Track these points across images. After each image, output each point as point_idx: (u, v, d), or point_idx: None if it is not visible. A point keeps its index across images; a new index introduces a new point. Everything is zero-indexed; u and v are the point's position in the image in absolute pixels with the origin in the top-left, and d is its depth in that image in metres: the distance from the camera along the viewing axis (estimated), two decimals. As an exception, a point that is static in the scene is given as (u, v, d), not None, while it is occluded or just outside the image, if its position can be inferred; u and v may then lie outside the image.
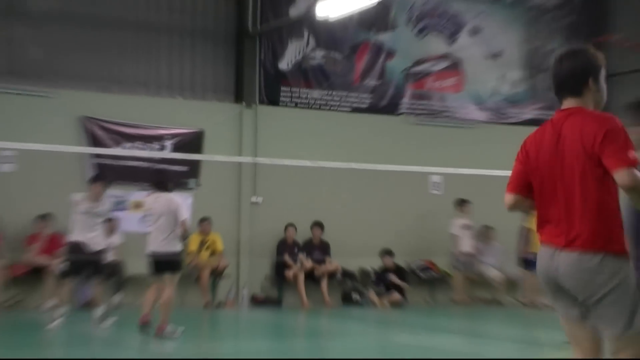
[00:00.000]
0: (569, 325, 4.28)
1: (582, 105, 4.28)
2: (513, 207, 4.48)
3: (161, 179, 11.36)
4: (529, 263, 15.13)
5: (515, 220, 14.93)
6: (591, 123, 4.13)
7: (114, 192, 15.36)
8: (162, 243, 10.71)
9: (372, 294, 16.05)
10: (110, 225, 14.84)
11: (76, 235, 11.62)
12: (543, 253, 4.26)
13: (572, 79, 4.29)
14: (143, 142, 15.75)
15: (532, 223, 14.25)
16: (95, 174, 12.95)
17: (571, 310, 4.23)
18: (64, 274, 12.05)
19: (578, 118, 4.22)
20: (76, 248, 11.62)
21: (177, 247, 10.78)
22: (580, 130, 4.16)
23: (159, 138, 15.90)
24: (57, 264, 13.41)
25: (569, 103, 4.32)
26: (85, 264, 11.75)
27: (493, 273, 16.55)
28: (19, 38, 15.30)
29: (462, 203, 16.58)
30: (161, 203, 10.80)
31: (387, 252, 16.29)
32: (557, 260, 4.16)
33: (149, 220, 10.97)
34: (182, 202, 10.87)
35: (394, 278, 16.09)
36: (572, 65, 4.28)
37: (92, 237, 11.68)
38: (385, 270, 16.26)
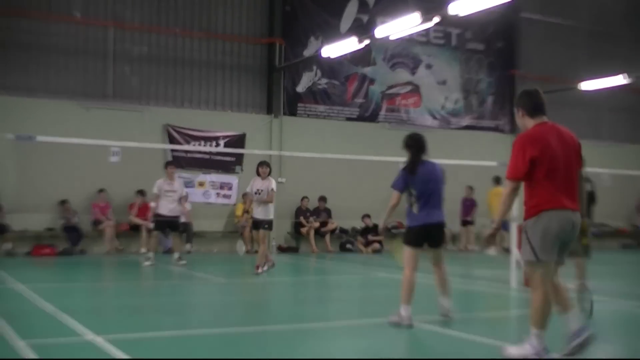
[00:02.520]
0: (551, 266, 4.50)
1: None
2: (516, 190, 4.57)
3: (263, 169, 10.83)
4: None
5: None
6: (571, 134, 4.66)
7: (185, 175, 15.48)
8: (259, 211, 10.34)
9: (359, 244, 16.10)
10: (184, 197, 14.89)
11: (160, 205, 11.61)
12: (562, 214, 4.42)
13: (545, 105, 4.68)
14: (204, 141, 15.72)
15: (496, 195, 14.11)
16: (169, 160, 12.76)
17: (556, 255, 4.49)
18: (152, 230, 12.05)
19: (561, 128, 4.65)
20: (159, 214, 11.57)
21: (271, 214, 10.40)
22: (569, 136, 4.61)
23: (215, 138, 15.86)
24: (148, 223, 13.45)
25: (545, 119, 4.63)
26: (165, 224, 11.73)
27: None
28: (122, 71, 15.26)
29: None
30: (262, 184, 10.45)
31: (366, 215, 16.25)
32: (573, 218, 4.44)
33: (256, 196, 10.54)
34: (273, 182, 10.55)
35: (372, 234, 16.11)
36: (543, 96, 4.68)
37: (170, 207, 11.66)
38: (366, 228, 16.24)
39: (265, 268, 10.64)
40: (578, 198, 4.49)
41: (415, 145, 6.07)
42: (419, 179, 6.00)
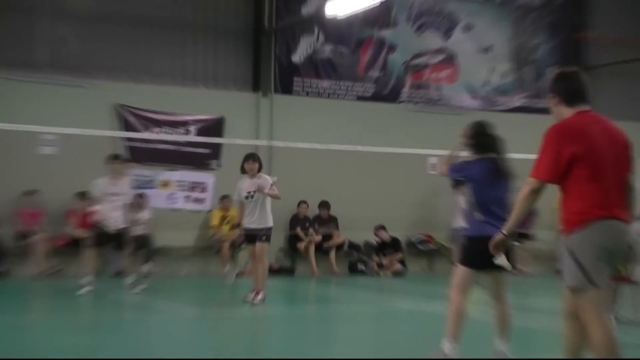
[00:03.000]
0: (606, 292, 4.69)
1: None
2: (537, 193, 4.74)
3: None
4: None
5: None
6: (619, 130, 4.81)
7: (144, 172, 15.40)
8: (254, 219, 10.45)
9: (374, 264, 16.06)
10: (140, 201, 14.77)
11: (100, 213, 11.48)
12: (615, 226, 4.57)
13: (587, 90, 4.81)
14: (170, 127, 15.68)
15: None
16: (114, 154, 12.51)
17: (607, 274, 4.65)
18: (91, 246, 11.93)
19: (607, 121, 4.79)
20: (100, 225, 11.50)
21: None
22: (617, 132, 4.77)
23: (184, 124, 15.84)
24: (90, 237, 13.33)
25: (586, 108, 4.77)
26: (108, 239, 11.62)
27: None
28: (59, 34, 15.19)
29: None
30: (252, 183, 10.47)
31: (381, 227, 16.20)
32: (626, 233, 4.61)
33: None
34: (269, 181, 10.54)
35: (389, 251, 16.08)
36: (585, 79, 4.82)
37: (114, 216, 11.52)
38: (383, 244, 16.19)
39: (251, 296, 10.64)
40: (628, 208, 4.72)
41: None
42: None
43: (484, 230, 5.83)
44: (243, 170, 10.57)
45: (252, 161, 10.50)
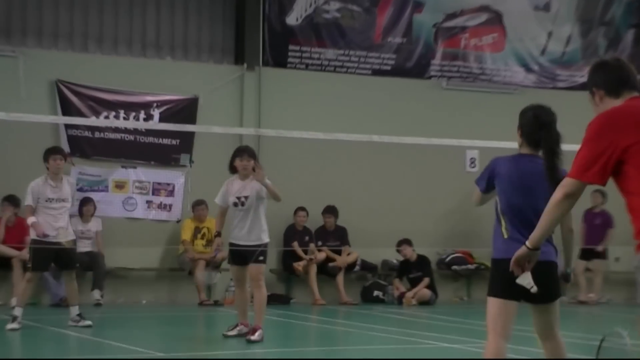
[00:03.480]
0: None
1: None
2: (573, 198, 4.84)
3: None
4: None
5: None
6: None
7: (92, 170, 15.36)
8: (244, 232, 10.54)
9: (396, 290, 16.09)
10: (87, 209, 14.73)
11: (38, 225, 11.42)
12: None
13: (634, 76, 4.96)
14: (126, 111, 15.68)
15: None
16: (54, 147, 12.40)
17: None
18: (28, 269, 11.90)
19: None
20: (39, 240, 11.45)
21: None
22: None
23: (145, 106, 15.84)
24: (24, 254, 13.30)
25: (636, 93, 4.92)
26: (49, 257, 11.57)
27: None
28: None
29: None
30: (245, 186, 10.50)
31: (404, 242, 16.20)
32: None
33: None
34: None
35: (414, 272, 16.14)
36: (628, 65, 5.01)
37: (56, 227, 11.48)
38: (406, 263, 16.22)
39: (233, 333, 10.75)
40: None
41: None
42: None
43: (512, 250, 5.77)
44: (233, 168, 10.56)
45: (247, 157, 10.50)
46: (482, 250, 16.71)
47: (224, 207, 10.65)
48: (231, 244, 10.60)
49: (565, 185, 4.82)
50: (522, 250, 5.32)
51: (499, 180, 6.35)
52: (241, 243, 10.48)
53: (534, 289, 5.63)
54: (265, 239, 10.54)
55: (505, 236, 6.08)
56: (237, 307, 10.93)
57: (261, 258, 10.48)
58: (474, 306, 16.43)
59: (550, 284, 6.09)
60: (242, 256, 10.50)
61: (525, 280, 5.53)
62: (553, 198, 4.92)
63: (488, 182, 6.44)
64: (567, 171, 5.53)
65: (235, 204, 10.45)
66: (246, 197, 10.42)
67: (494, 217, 6.27)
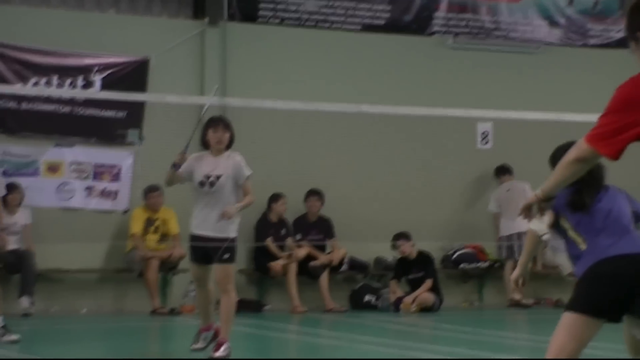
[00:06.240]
0: None
1: None
2: (584, 163, 5.15)
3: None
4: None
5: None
6: None
7: (18, 150, 15.36)
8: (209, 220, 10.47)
9: (392, 293, 16.14)
10: (12, 198, 14.67)
11: None
12: None
13: None
14: (60, 77, 15.66)
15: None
16: None
17: None
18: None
19: None
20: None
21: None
22: None
23: (84, 70, 15.84)
24: None
25: None
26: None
27: (564, 261, 16.46)
28: None
29: (503, 172, 16.78)
30: (216, 164, 10.44)
31: (402, 236, 16.22)
32: None
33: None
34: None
35: (414, 272, 16.20)
36: None
37: None
38: (404, 261, 16.27)
39: (200, 345, 10.72)
40: None
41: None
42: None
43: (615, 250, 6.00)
44: (205, 143, 10.49)
45: (222, 128, 10.44)
46: (496, 244, 16.78)
47: (180, 174, 10.54)
48: (192, 237, 10.54)
49: (579, 148, 5.08)
50: (532, 197, 5.64)
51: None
52: (204, 234, 10.40)
53: (546, 237, 5.94)
54: (232, 232, 10.48)
55: (585, 247, 6.13)
56: (199, 310, 10.87)
57: (227, 256, 10.36)
58: (486, 313, 16.48)
59: None
60: (205, 252, 10.45)
61: (537, 225, 6.05)
62: (566, 156, 5.22)
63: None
64: None
65: (202, 184, 10.31)
66: (217, 177, 10.31)
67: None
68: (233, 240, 10.41)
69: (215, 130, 10.44)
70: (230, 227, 10.41)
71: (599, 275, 5.90)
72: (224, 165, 10.36)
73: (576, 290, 6.03)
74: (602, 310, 5.88)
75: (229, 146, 10.49)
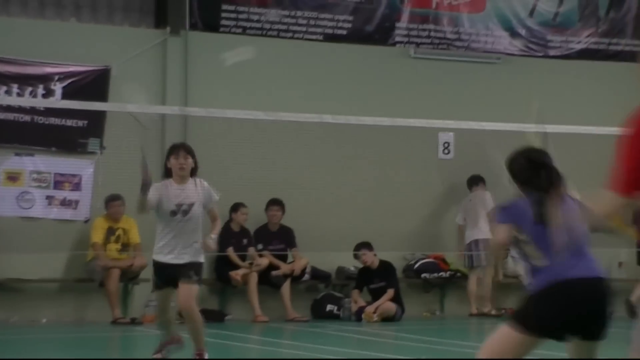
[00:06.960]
0: None
1: None
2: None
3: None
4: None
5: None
6: None
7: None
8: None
9: (354, 303, 16.17)
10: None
11: None
12: None
13: None
14: (21, 85, 15.63)
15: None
16: None
17: None
18: None
19: None
20: None
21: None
22: None
23: (44, 79, 15.80)
24: None
25: None
26: None
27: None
28: None
29: (476, 182, 16.72)
30: (183, 192, 10.27)
31: (364, 245, 16.25)
32: None
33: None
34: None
35: (376, 282, 16.22)
36: None
37: None
38: (366, 270, 16.30)
39: (160, 356, 10.60)
40: None
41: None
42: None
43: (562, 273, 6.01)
44: (167, 171, 10.38)
45: (183, 154, 10.27)
46: (457, 254, 16.82)
47: (150, 201, 10.32)
48: (160, 265, 10.44)
49: (612, 198, 4.87)
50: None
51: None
52: (173, 262, 10.18)
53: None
54: (201, 257, 10.30)
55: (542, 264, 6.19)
56: (161, 330, 10.79)
57: (193, 276, 10.11)
58: (447, 322, 16.51)
59: (604, 313, 6.07)
60: (173, 273, 10.20)
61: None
62: (599, 208, 5.01)
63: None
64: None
65: (174, 213, 10.16)
66: (190, 205, 10.15)
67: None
68: (201, 264, 10.30)
69: (176, 157, 10.25)
70: (199, 252, 10.25)
71: (554, 297, 5.93)
72: (194, 192, 10.18)
73: (526, 306, 6.06)
74: (549, 332, 5.95)
75: (193, 173, 10.36)
